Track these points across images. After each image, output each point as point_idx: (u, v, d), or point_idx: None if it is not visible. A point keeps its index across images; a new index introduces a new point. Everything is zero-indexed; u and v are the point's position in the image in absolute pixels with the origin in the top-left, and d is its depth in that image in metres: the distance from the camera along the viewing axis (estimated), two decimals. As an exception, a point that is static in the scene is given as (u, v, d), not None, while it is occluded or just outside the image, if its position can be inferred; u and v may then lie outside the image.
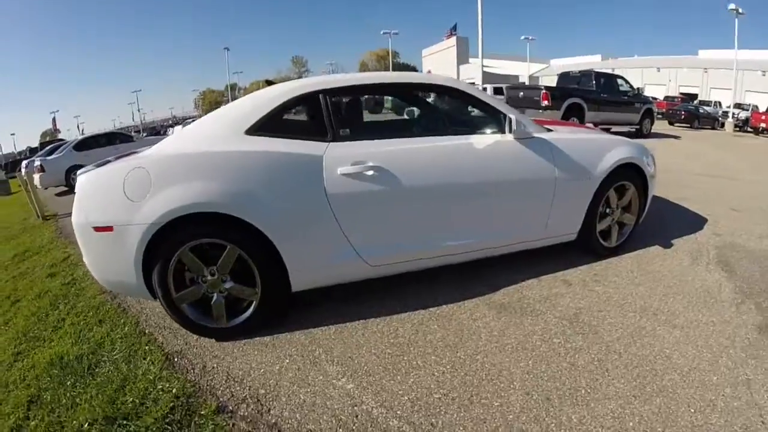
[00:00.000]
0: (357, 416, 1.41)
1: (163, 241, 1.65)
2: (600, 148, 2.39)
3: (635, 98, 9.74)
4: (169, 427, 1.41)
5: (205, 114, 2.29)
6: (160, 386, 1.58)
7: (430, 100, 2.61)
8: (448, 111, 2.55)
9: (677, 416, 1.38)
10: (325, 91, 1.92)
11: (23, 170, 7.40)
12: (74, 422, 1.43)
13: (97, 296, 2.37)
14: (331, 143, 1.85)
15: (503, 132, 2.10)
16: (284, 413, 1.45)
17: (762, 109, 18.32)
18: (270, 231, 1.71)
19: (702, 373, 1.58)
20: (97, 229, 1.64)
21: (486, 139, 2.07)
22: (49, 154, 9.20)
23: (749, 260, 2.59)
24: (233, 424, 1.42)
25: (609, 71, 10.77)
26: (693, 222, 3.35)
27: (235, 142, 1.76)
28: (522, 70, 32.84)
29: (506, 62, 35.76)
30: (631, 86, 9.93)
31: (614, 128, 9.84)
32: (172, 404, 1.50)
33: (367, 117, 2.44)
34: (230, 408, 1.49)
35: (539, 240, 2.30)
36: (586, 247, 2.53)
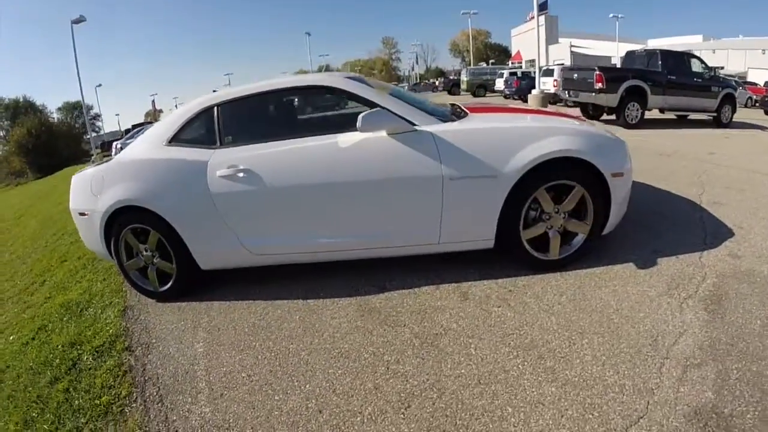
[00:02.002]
0: (186, 372, 1.79)
1: (113, 224, 2.28)
2: (516, 139, 2.02)
3: (712, 81, 7.98)
4: (96, 353, 2.06)
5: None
6: (108, 327, 2.27)
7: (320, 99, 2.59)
8: (338, 110, 2.49)
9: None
10: (218, 104, 2.22)
11: (113, 150, 9.55)
12: (54, 342, 2.23)
13: (112, 260, 3.26)
14: (217, 149, 2.16)
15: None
16: (153, 358, 1.94)
17: None
18: (173, 221, 2.16)
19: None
20: (80, 213, 2.39)
21: (352, 137, 2.01)
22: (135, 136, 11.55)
23: (760, 300, 1.81)
24: (126, 359, 1.98)
25: (682, 50, 8.87)
26: (712, 235, 2.48)
27: (157, 151, 2.24)
28: (615, 51, 27.41)
29: (598, 42, 31.75)
30: (708, 67, 8.09)
31: (691, 116, 8.23)
32: (104, 340, 2.15)
33: (273, 120, 2.52)
34: (132, 348, 2.06)
35: (436, 245, 2.12)
36: (513, 257, 2.19)
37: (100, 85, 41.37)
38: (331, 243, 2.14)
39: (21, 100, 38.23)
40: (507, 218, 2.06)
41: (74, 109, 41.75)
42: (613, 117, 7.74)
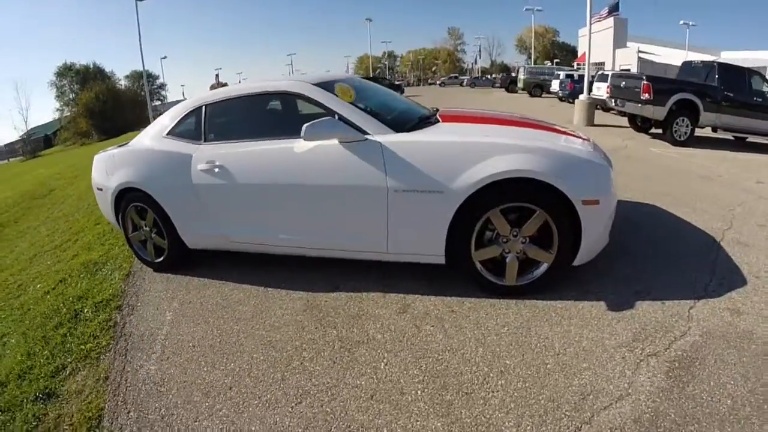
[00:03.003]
0: (151, 335, 2.09)
1: (120, 200, 2.67)
2: (467, 155, 1.94)
3: None
4: (95, 307, 2.47)
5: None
6: (110, 287, 2.68)
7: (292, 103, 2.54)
8: (304, 114, 2.48)
9: None
10: (206, 104, 2.46)
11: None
12: (67, 294, 2.68)
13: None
14: (201, 145, 2.40)
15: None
16: (133, 319, 2.27)
17: None
18: (164, 204, 2.47)
19: None
20: (98, 188, 2.82)
21: (308, 143, 2.08)
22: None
23: (743, 374, 1.52)
24: (115, 316, 2.34)
25: (744, 66, 7.65)
26: (718, 281, 2.17)
27: (158, 142, 2.56)
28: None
29: (667, 50, 28.00)
30: None
31: (750, 138, 7.22)
32: (105, 297, 2.56)
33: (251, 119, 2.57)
34: (122, 307, 2.43)
35: (385, 253, 2.15)
36: (468, 277, 2.13)
37: (165, 57, 44.56)
38: (290, 239, 2.29)
39: (91, 66, 38.73)
40: (457, 236, 2.01)
41: (141, 77, 41.90)
42: (661, 131, 6.99)
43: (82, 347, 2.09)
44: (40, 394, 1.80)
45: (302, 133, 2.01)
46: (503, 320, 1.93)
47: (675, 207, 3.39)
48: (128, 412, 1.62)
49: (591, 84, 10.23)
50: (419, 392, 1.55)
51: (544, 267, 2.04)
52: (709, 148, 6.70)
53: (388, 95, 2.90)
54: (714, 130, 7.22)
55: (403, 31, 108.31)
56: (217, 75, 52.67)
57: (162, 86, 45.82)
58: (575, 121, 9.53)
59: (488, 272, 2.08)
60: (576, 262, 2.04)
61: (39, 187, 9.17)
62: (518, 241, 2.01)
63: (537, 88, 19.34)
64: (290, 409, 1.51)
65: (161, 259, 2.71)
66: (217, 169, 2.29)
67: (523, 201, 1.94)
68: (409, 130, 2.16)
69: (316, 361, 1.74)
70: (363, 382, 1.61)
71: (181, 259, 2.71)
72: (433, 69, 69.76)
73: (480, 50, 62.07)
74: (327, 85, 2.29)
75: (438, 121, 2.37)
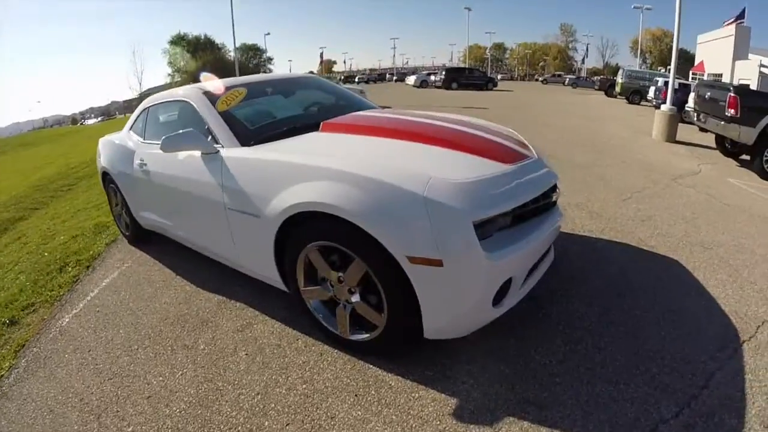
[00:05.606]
0: (87, 292, 2.77)
1: (104, 179, 3.43)
2: (279, 179, 1.75)
3: None
4: (76, 262, 3.28)
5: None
6: (96, 248, 3.52)
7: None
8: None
9: None
10: (149, 107, 2.99)
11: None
12: (70, 248, 3.58)
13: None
14: (141, 142, 2.94)
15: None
16: (86, 278, 3.00)
17: None
18: (121, 187, 3.12)
19: None
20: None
21: (183, 153, 2.24)
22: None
23: None
24: (81, 272, 3.11)
25: None
26: (688, 419, 1.40)
27: (123, 135, 3.20)
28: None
29: None
30: None
31: None
32: (86, 256, 3.38)
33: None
34: (89, 266, 3.21)
35: (243, 270, 2.25)
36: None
37: (268, 34, 49.46)
38: (183, 236, 2.69)
39: (202, 37, 42.98)
40: (284, 267, 1.90)
41: (249, 50, 44.73)
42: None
43: (50, 293, 2.86)
44: (8, 320, 2.58)
45: (160, 144, 2.12)
46: (310, 376, 1.72)
47: (709, 269, 2.49)
48: (33, 348, 2.26)
49: (683, 93, 8.60)
50: (175, 411, 1.64)
51: (377, 331, 1.70)
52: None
53: (303, 98, 2.98)
54: None
55: (513, 22, 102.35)
56: (321, 53, 55.92)
57: (269, 60, 50.00)
58: (653, 135, 8.04)
59: (328, 314, 1.89)
60: (428, 335, 1.59)
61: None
62: (345, 289, 1.75)
63: (635, 94, 16.60)
64: (101, 380, 1.91)
65: (128, 232, 3.43)
66: (143, 166, 2.77)
67: (335, 242, 1.63)
68: (258, 143, 2.07)
69: (146, 351, 2.06)
70: (154, 382, 1.83)
71: (141, 235, 3.31)
72: (541, 64, 65.68)
73: (587, 49, 55.48)
74: (209, 96, 2.40)
75: (316, 130, 2.19)
